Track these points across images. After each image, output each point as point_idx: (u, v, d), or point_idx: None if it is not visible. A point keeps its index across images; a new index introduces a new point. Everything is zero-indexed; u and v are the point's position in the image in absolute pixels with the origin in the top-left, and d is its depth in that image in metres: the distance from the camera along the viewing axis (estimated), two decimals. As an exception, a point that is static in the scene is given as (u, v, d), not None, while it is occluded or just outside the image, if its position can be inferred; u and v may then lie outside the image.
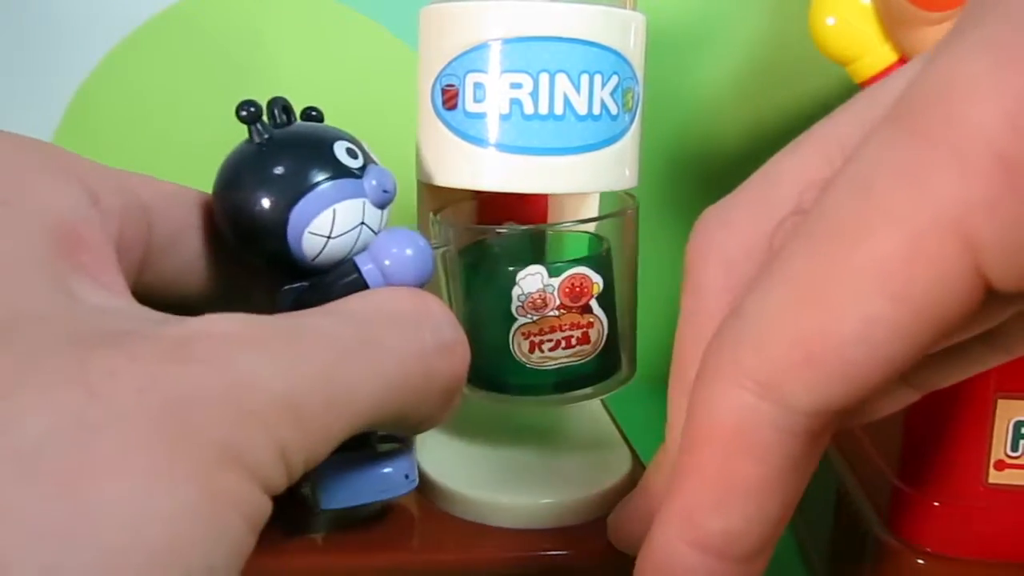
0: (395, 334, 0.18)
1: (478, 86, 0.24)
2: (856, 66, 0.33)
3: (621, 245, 0.26)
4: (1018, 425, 0.24)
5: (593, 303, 0.25)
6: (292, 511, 0.23)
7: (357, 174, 0.20)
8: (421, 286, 0.21)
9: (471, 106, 0.24)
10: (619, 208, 0.27)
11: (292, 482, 0.16)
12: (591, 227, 0.27)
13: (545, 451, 0.28)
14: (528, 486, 0.25)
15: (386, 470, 0.22)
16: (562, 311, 0.24)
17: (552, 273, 0.24)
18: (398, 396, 0.18)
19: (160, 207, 0.20)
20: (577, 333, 0.25)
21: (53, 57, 0.46)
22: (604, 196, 0.29)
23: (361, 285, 0.20)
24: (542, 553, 0.23)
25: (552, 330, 0.25)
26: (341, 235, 0.20)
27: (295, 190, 0.20)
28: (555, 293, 0.24)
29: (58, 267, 0.16)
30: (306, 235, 0.20)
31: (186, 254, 0.21)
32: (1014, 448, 0.24)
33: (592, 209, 0.29)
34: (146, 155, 0.47)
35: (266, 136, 0.20)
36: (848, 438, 0.30)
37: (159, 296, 0.21)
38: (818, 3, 0.33)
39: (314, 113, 0.22)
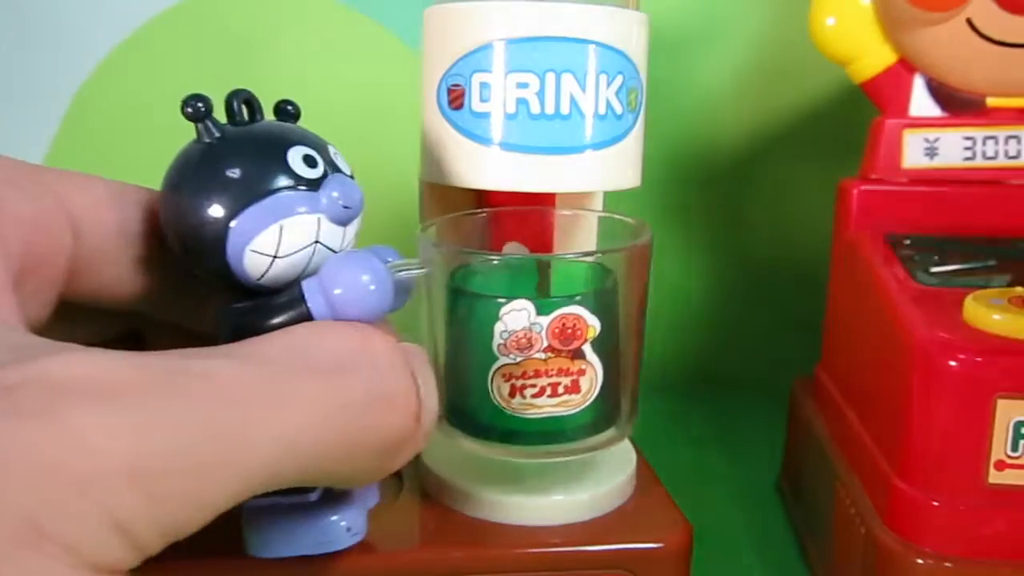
0: (315, 383, 0.16)
1: (484, 86, 0.24)
2: (856, 66, 0.33)
3: (629, 281, 0.23)
4: (1018, 425, 0.24)
5: (587, 348, 0.22)
6: None
7: (312, 186, 0.18)
8: (376, 319, 0.19)
9: (477, 106, 0.24)
10: (628, 240, 0.23)
11: (149, 554, 0.14)
12: (591, 243, 0.26)
13: None
14: (534, 483, 0.25)
15: (329, 518, 0.20)
16: (549, 354, 0.22)
17: (541, 311, 0.21)
18: (309, 454, 0.16)
19: (90, 211, 0.19)
20: (565, 380, 0.22)
21: (53, 57, 0.46)
22: (613, 224, 0.26)
23: (305, 315, 0.18)
24: (549, 550, 0.23)
25: (537, 375, 0.22)
26: (289, 255, 0.18)
27: (237, 201, 0.17)
28: (543, 333, 0.21)
29: None
30: (248, 253, 0.18)
31: (125, 260, 0.20)
32: (1014, 448, 0.24)
33: (596, 206, 0.29)
34: (146, 155, 0.46)
35: (216, 135, 0.18)
36: (848, 437, 0.30)
37: (105, 303, 0.20)
38: (818, 3, 0.33)
39: (289, 108, 0.20)
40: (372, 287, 0.18)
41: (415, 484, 0.26)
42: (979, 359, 0.24)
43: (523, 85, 0.23)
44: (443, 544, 0.24)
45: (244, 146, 0.18)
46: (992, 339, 0.24)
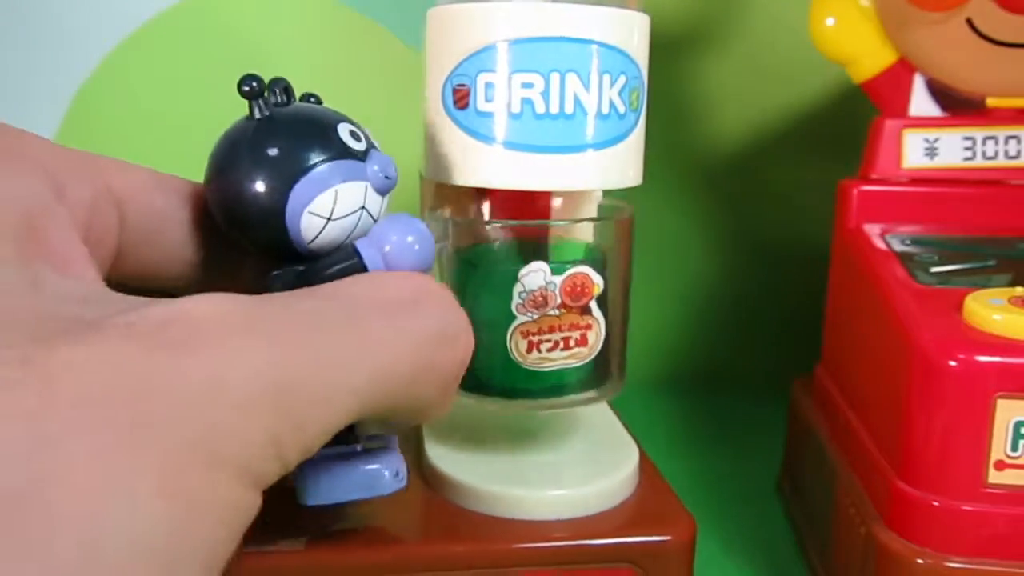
0: (394, 320, 0.17)
1: (490, 86, 0.24)
2: (856, 66, 0.33)
3: (616, 252, 0.26)
4: (1018, 425, 0.24)
5: (592, 304, 0.25)
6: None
7: (360, 157, 0.20)
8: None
9: (483, 105, 0.24)
10: (616, 213, 0.27)
11: (286, 472, 0.15)
12: (588, 236, 0.27)
13: (553, 443, 0.28)
14: (537, 478, 0.25)
15: (373, 467, 0.21)
16: (562, 310, 0.24)
17: (555, 271, 0.24)
18: (394, 385, 0.17)
19: (135, 195, 0.20)
20: (576, 334, 0.25)
21: (53, 57, 0.46)
22: (602, 208, 0.28)
23: (360, 270, 0.20)
24: (553, 544, 0.23)
25: (551, 330, 0.24)
26: (341, 218, 0.19)
27: (297, 168, 0.19)
28: (556, 291, 0.24)
29: (22, 258, 0.15)
30: (305, 215, 0.19)
31: (166, 243, 0.21)
32: (1014, 448, 0.24)
33: (591, 213, 0.29)
34: (147, 156, 0.46)
35: (267, 113, 0.20)
36: (848, 437, 0.30)
37: (140, 287, 0.20)
38: (818, 3, 0.33)
39: (312, 99, 0.21)
40: (417, 246, 0.20)
41: (418, 479, 0.26)
42: (979, 359, 0.24)
43: (528, 85, 0.24)
44: (447, 539, 0.24)
45: (297, 121, 0.20)
46: (992, 339, 0.24)
